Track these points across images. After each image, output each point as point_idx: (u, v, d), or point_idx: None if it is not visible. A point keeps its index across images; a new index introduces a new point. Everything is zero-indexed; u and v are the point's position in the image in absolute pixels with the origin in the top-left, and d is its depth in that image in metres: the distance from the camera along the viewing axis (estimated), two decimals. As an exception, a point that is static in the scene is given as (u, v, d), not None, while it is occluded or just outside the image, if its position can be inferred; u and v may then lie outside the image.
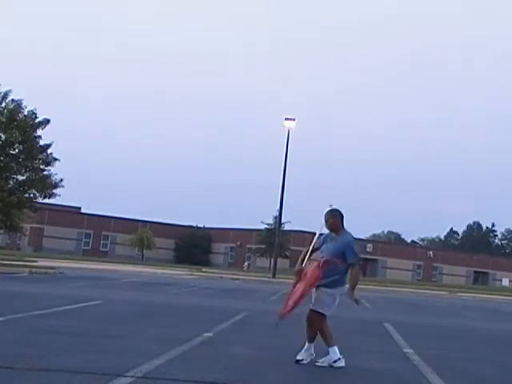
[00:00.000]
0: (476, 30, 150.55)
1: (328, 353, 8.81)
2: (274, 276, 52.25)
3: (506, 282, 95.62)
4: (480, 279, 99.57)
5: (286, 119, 54.77)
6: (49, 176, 36.79)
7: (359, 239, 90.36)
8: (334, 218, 8.93)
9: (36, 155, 36.67)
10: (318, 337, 8.93)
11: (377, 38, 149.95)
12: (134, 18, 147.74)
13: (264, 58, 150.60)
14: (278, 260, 58.57)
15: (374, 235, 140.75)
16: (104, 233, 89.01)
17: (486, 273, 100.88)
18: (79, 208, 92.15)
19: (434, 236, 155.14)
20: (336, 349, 8.81)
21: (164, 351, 8.88)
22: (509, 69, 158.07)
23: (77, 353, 8.49)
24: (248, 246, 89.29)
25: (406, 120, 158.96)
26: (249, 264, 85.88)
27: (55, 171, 37.11)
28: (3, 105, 36.61)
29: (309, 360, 8.81)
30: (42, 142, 36.84)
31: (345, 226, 8.99)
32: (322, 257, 8.79)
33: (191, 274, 49.31)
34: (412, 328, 16.56)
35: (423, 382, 8.28)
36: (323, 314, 8.81)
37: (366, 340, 12.80)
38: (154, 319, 14.01)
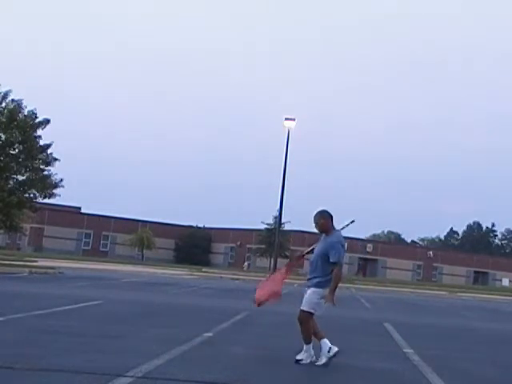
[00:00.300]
0: (476, 29, 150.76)
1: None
2: (274, 276, 52.15)
3: (506, 281, 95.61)
4: (480, 279, 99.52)
5: (286, 119, 54.82)
6: (49, 176, 36.81)
7: (359, 239, 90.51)
8: (324, 219, 8.95)
9: (36, 155, 36.68)
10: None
11: (377, 37, 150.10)
12: (134, 18, 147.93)
13: (264, 58, 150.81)
14: (278, 260, 58.50)
15: (373, 235, 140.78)
16: (104, 233, 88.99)
17: (486, 273, 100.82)
18: (79, 208, 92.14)
19: (433, 236, 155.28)
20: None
21: (164, 351, 8.88)
22: (509, 69, 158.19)
23: (77, 353, 8.49)
24: (248, 246, 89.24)
25: (406, 120, 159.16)
26: (249, 264, 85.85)
27: (55, 171, 37.23)
28: (3, 105, 36.64)
29: (309, 361, 8.81)
30: (42, 142, 36.90)
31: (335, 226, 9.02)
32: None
33: (191, 274, 49.32)
34: (412, 328, 16.56)
35: (423, 382, 8.27)
36: (311, 313, 8.83)
37: (366, 340, 12.80)
38: (154, 319, 14.00)
